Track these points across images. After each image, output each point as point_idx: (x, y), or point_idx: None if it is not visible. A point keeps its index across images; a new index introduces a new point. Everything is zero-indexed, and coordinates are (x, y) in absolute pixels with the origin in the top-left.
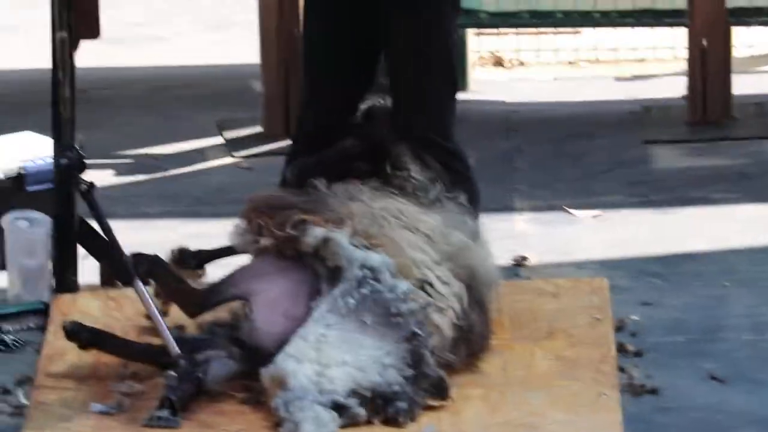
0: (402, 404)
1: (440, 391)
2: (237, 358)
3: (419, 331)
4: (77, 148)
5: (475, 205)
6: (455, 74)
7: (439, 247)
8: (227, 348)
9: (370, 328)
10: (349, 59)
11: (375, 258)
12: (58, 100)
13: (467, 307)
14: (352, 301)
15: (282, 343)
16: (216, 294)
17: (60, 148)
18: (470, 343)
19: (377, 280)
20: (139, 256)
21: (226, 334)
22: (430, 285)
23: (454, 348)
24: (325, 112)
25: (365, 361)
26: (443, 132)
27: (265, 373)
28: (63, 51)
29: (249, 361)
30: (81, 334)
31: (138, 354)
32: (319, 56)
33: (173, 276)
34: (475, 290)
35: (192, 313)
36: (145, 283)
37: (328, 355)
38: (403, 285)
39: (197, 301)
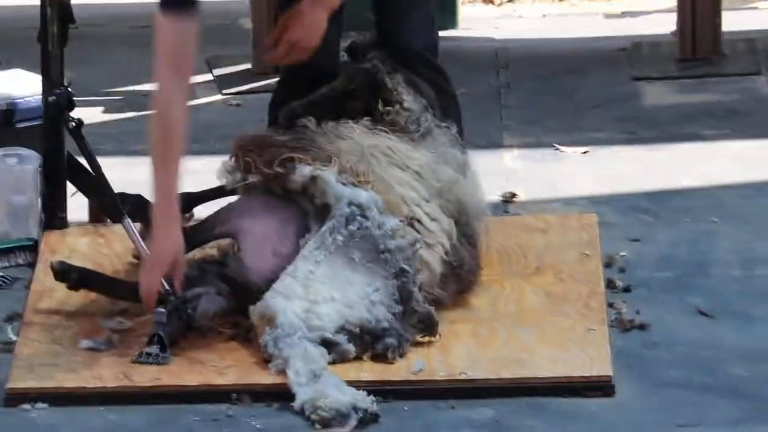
0: (391, 340)
1: (429, 327)
2: (226, 294)
3: (407, 268)
4: (66, 84)
5: (460, 130)
6: None
7: (429, 184)
8: (216, 284)
9: (359, 264)
10: None
11: (363, 195)
12: (47, 36)
13: (456, 243)
14: (340, 237)
15: (270, 280)
16: (203, 232)
17: (48, 85)
18: (460, 279)
19: (365, 216)
20: (123, 196)
21: (215, 271)
22: (419, 221)
23: (444, 284)
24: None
25: (353, 298)
26: (431, 47)
27: (254, 310)
28: None
29: (238, 297)
30: (70, 275)
31: (127, 292)
32: None
33: None
34: (464, 225)
35: None
36: (134, 221)
37: (317, 292)
38: (392, 221)
39: (184, 239)
